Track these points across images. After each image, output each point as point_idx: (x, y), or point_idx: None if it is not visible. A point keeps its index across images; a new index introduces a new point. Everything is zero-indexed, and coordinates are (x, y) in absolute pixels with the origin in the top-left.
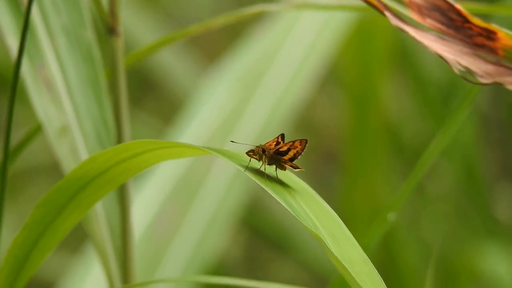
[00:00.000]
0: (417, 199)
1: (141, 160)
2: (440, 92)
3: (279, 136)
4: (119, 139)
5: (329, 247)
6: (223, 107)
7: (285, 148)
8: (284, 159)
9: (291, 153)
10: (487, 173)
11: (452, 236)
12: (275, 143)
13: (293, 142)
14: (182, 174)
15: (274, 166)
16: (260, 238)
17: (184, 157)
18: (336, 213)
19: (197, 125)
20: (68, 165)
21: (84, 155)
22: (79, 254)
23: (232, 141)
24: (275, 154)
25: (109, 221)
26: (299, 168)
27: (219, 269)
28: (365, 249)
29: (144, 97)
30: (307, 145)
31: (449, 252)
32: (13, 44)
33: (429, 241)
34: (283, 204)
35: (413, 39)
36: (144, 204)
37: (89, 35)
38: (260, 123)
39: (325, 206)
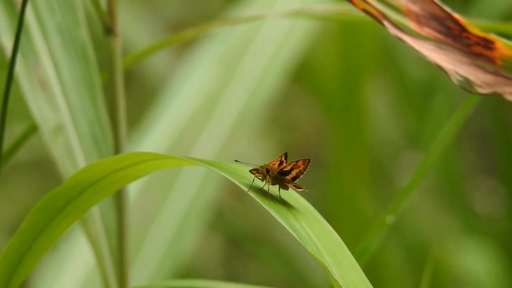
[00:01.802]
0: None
1: (137, 169)
2: (420, 88)
3: (282, 155)
4: (116, 139)
5: (334, 275)
6: (202, 90)
7: (288, 168)
8: (287, 179)
9: (293, 173)
10: (466, 167)
11: (432, 231)
12: (278, 162)
13: (296, 162)
14: None
15: (277, 186)
16: (233, 237)
17: (180, 166)
18: (321, 212)
19: (174, 111)
20: (63, 164)
21: (79, 155)
22: (55, 249)
23: (236, 161)
24: (279, 174)
25: (104, 222)
26: (302, 188)
27: (193, 262)
28: (364, 252)
29: None
30: (309, 164)
31: (429, 246)
32: (7, 44)
33: (409, 236)
34: (287, 228)
35: (412, 48)
36: None
37: (84, 34)
38: (240, 105)
39: (327, 227)
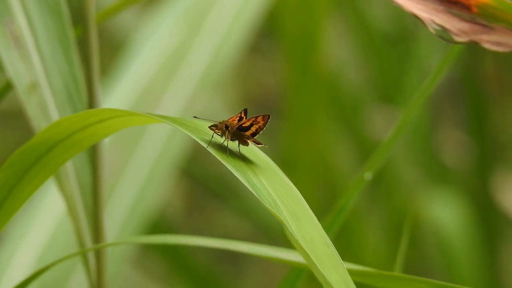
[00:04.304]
0: (363, 145)
1: (106, 126)
2: (385, 36)
3: (242, 111)
4: (90, 96)
5: (290, 229)
6: (167, 46)
7: (247, 123)
8: (246, 134)
9: (253, 129)
10: (434, 119)
11: (400, 182)
12: (237, 118)
13: (256, 117)
14: None
15: (237, 142)
16: (201, 187)
17: (147, 124)
18: (277, 162)
19: (138, 67)
20: (38, 121)
21: (53, 111)
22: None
23: (195, 117)
24: (238, 130)
25: (78, 178)
26: (261, 144)
27: (161, 218)
28: (341, 210)
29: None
30: (269, 120)
31: (396, 198)
32: None
33: (378, 188)
34: (244, 183)
35: None
36: None
37: None
38: (205, 61)
39: (287, 183)
